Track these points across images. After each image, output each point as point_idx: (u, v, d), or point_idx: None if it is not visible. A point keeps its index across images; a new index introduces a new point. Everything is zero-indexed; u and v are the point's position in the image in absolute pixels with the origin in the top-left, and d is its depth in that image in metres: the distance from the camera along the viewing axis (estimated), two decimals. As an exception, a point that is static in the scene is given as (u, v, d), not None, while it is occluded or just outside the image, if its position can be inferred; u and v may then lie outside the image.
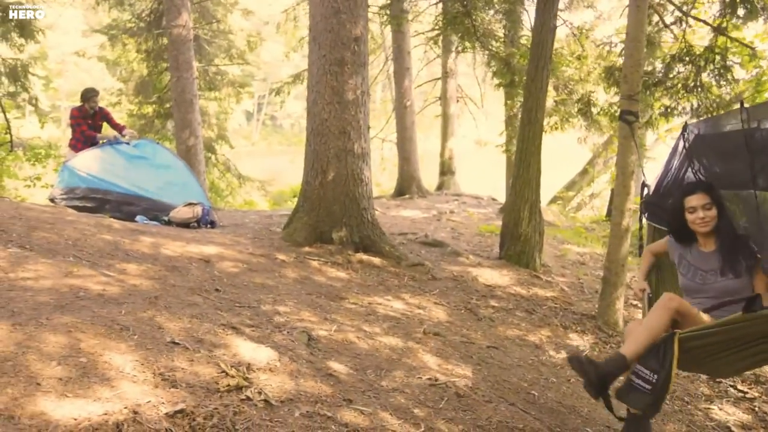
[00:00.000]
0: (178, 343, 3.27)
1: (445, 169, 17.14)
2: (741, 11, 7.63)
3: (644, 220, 4.33)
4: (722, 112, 8.10)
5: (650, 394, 2.94)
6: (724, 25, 7.72)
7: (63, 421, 2.29)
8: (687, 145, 3.67)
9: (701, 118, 7.06)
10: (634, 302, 7.10)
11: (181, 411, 2.58)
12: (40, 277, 3.93)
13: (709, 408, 4.77)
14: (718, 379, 5.31)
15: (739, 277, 3.33)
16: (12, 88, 13.70)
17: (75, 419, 2.32)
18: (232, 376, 3.02)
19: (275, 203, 18.61)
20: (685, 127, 3.74)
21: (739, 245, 3.37)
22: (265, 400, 2.90)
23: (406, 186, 15.26)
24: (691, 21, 8.39)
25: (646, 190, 4.28)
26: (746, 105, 3.03)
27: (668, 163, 3.86)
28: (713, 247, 3.46)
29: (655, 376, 2.91)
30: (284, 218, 8.81)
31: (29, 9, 12.72)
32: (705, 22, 7.92)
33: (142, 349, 3.09)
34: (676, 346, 2.90)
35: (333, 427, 2.85)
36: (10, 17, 12.23)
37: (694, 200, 3.40)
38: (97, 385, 2.61)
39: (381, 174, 21.34)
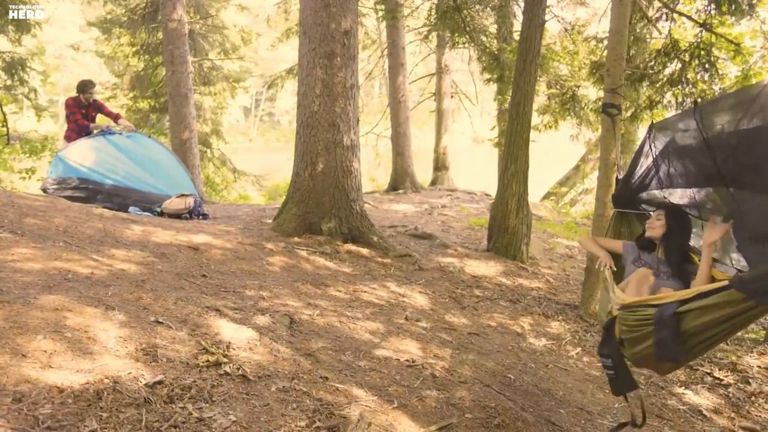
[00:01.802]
0: (161, 323, 3.39)
1: (439, 165, 17.23)
2: (725, 8, 7.73)
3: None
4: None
5: (616, 377, 3.13)
6: (710, 21, 7.83)
7: (46, 389, 2.41)
8: (652, 144, 3.80)
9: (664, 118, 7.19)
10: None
11: (160, 382, 2.70)
12: (30, 260, 4.04)
13: (683, 393, 4.89)
14: (695, 367, 5.44)
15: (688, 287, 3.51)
16: (9, 82, 13.79)
17: (58, 387, 2.44)
18: (212, 353, 3.14)
19: (270, 198, 18.70)
20: (651, 126, 3.85)
21: (684, 261, 3.65)
22: (243, 375, 3.02)
23: (400, 181, 15.36)
24: (677, 16, 8.49)
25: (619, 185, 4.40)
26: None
27: (635, 161, 3.98)
28: (663, 257, 3.71)
29: (610, 360, 3.12)
30: (276, 211, 8.92)
31: (29, 9, 12.84)
32: (689, 17, 8.03)
33: (126, 327, 3.20)
34: (617, 324, 3.11)
35: (308, 401, 2.97)
36: (10, 17, 12.37)
37: (654, 214, 3.81)
38: (81, 358, 2.73)
39: (376, 169, 21.43)
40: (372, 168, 21.25)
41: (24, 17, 12.28)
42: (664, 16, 8.44)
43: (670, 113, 9.62)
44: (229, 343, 3.37)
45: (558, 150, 21.18)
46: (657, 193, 3.98)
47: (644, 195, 4.08)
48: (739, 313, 2.68)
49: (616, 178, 4.43)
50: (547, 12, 8.16)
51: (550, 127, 12.51)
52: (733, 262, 3.49)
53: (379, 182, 19.63)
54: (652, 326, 2.90)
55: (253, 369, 3.13)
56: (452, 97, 17.55)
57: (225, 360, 3.11)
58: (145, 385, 2.65)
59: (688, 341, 2.87)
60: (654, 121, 3.94)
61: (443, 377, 3.82)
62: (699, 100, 7.60)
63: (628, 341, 3.09)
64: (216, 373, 2.97)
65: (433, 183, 17.04)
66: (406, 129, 15.44)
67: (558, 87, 11.58)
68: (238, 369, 3.06)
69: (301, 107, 7.15)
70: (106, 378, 2.60)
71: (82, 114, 8.75)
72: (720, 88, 8.65)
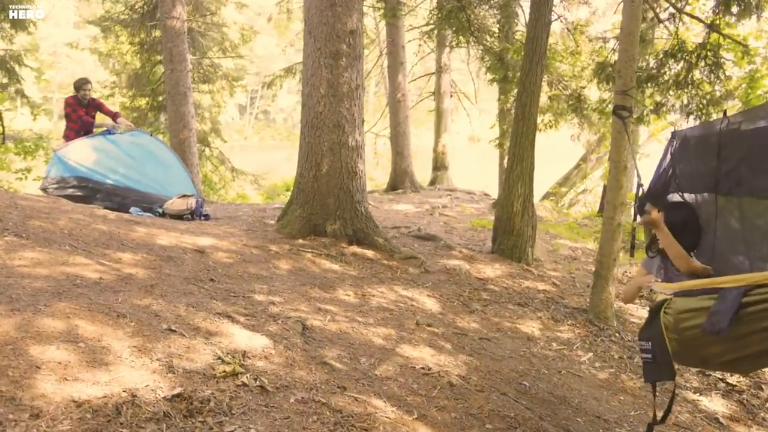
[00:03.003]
0: (174, 331, 3.31)
1: (439, 164, 17.15)
2: (734, 8, 7.67)
3: (638, 218, 4.36)
4: (712, 108, 8.17)
5: (652, 362, 2.97)
6: (717, 22, 7.78)
7: (63, 403, 2.32)
8: (672, 150, 3.75)
9: (690, 125, 7.12)
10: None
11: (178, 395, 2.62)
12: (37, 265, 3.95)
13: (698, 400, 4.84)
14: (707, 373, 5.38)
15: None
16: (6, 80, 13.66)
17: (75, 401, 2.36)
18: (228, 363, 3.06)
19: (268, 197, 18.57)
20: (673, 134, 3.81)
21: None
22: (261, 386, 2.94)
23: (400, 180, 15.28)
24: (684, 17, 8.43)
25: (641, 190, 4.31)
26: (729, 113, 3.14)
27: (659, 167, 3.92)
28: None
29: (649, 344, 2.95)
30: (278, 211, 8.83)
31: (29, 9, 12.73)
32: (698, 18, 7.97)
33: (140, 335, 3.12)
34: (663, 308, 2.91)
35: (327, 413, 2.89)
36: (10, 17, 12.27)
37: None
38: (96, 370, 2.64)
39: (374, 169, 21.32)
40: (370, 167, 21.14)
41: (24, 17, 12.20)
42: (672, 17, 8.38)
43: (673, 116, 9.58)
44: (245, 351, 3.29)
45: (555, 149, 21.16)
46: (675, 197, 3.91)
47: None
48: None
49: (637, 183, 4.33)
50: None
51: (551, 126, 12.45)
52: None
53: (377, 181, 19.54)
54: (706, 313, 2.65)
55: (271, 379, 3.05)
56: (451, 96, 17.46)
57: (242, 370, 3.03)
58: (164, 398, 2.57)
59: (746, 332, 2.55)
60: (675, 129, 3.89)
61: (460, 385, 3.75)
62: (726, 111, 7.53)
63: (675, 328, 2.89)
64: (233, 384, 2.89)
65: (432, 183, 16.96)
66: (405, 128, 15.36)
67: (561, 87, 11.50)
68: (255, 380, 2.98)
69: (306, 107, 7.06)
70: (124, 391, 2.52)
71: (85, 111, 8.65)
72: (725, 90, 8.61)
